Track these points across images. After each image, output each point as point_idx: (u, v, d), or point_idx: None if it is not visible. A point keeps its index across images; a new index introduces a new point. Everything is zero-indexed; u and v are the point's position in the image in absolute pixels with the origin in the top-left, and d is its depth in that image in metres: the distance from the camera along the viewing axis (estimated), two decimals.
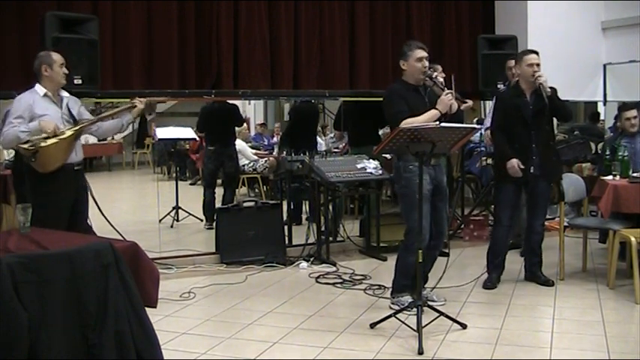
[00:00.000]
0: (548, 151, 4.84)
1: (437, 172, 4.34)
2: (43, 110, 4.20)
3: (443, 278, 4.75)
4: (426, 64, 4.31)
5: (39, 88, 4.28)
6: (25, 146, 4.04)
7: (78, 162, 4.40)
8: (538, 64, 4.74)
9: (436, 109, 4.19)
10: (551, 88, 4.72)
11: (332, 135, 9.95)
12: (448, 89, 4.24)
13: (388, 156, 5.60)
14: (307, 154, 6.41)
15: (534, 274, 4.96)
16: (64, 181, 4.27)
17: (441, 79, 4.29)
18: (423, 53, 4.31)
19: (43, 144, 4.06)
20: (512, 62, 5.88)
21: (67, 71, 4.35)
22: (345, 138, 8.75)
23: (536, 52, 4.84)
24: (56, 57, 4.30)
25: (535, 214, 4.93)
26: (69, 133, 4.21)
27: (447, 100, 4.19)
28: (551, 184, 4.97)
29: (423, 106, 4.26)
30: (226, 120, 7.52)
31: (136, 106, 4.58)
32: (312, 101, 7.81)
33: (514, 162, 4.71)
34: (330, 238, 6.12)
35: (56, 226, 3.98)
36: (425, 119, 4.10)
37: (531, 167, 4.75)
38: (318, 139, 9.30)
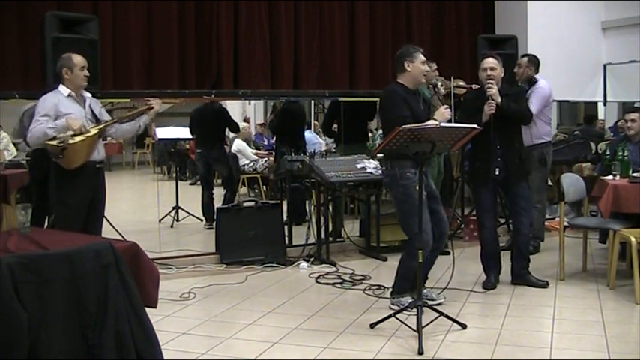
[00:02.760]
0: (511, 153, 4.78)
1: (427, 179, 4.35)
2: (67, 109, 4.29)
3: (442, 278, 4.77)
4: (427, 68, 4.33)
5: (62, 89, 4.37)
6: (54, 143, 4.13)
7: (100, 160, 4.48)
8: (492, 68, 4.73)
9: (435, 119, 4.18)
10: (506, 93, 4.72)
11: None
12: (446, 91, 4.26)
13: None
14: (294, 153, 6.39)
15: (525, 278, 4.89)
16: (87, 178, 4.36)
17: (443, 92, 4.29)
18: (424, 58, 4.34)
19: (71, 141, 4.15)
20: (523, 60, 5.89)
21: (87, 74, 4.43)
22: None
23: (493, 56, 4.84)
24: (77, 60, 4.38)
25: (517, 216, 4.88)
26: (94, 131, 4.32)
27: (447, 114, 4.23)
28: (525, 183, 4.91)
29: (421, 110, 4.28)
30: (212, 122, 7.53)
31: (152, 107, 4.63)
32: (297, 101, 7.78)
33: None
34: (330, 238, 6.12)
35: (76, 223, 4.18)
36: None
37: (495, 169, 4.72)
38: (319, 139, 9.31)
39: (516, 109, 4.79)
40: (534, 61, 5.93)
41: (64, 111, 4.26)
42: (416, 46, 4.41)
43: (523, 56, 6.02)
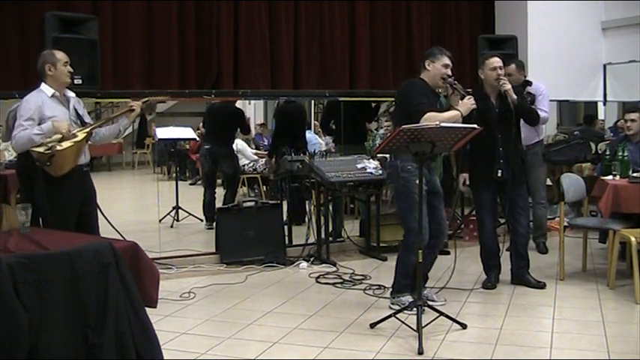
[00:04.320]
0: (515, 155, 4.79)
1: (431, 174, 4.38)
2: (52, 112, 4.09)
3: (442, 278, 4.76)
4: (449, 72, 4.37)
5: (46, 88, 4.15)
6: (41, 150, 3.92)
7: (86, 163, 4.34)
8: (501, 67, 4.75)
9: (458, 110, 4.21)
10: (517, 92, 4.75)
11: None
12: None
13: (387, 156, 5.60)
14: (294, 154, 6.37)
15: (523, 278, 4.89)
16: (75, 183, 4.19)
17: (461, 89, 4.31)
18: (449, 62, 4.37)
19: (59, 147, 3.95)
20: (512, 67, 5.90)
21: (71, 70, 4.25)
22: None
23: (497, 56, 4.86)
24: (60, 55, 4.20)
25: (515, 216, 4.87)
26: (81, 135, 4.13)
27: (470, 104, 4.26)
28: (525, 184, 4.92)
29: (435, 106, 4.31)
30: (228, 121, 7.51)
31: (133, 110, 4.45)
32: (296, 101, 7.74)
33: (462, 176, 4.86)
34: (330, 238, 6.12)
35: (66, 228, 3.92)
36: (447, 117, 4.13)
37: (498, 171, 4.72)
38: (319, 138, 9.30)
39: (530, 108, 4.85)
40: (522, 65, 5.98)
41: (48, 114, 4.06)
42: (444, 50, 4.43)
43: (509, 63, 5.99)
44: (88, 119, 4.43)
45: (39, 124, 4.03)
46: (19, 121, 4.05)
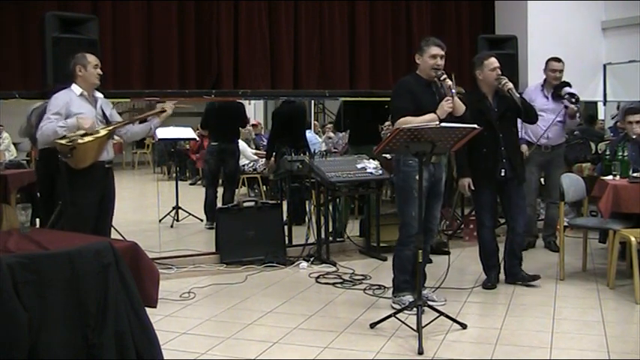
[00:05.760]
0: (516, 153, 4.85)
1: (436, 169, 4.36)
2: (78, 109, 4.32)
3: (444, 278, 4.76)
4: (440, 62, 4.32)
5: (75, 88, 4.39)
6: (63, 142, 4.14)
7: (109, 160, 4.53)
8: (500, 67, 4.76)
9: (435, 113, 4.20)
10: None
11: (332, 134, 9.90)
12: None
13: (388, 156, 5.60)
14: (294, 154, 6.35)
15: (516, 275, 4.90)
16: (96, 178, 4.40)
17: (449, 83, 4.26)
18: (438, 51, 4.33)
19: (80, 141, 4.17)
20: (556, 64, 5.92)
21: (100, 72, 4.48)
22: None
23: (494, 55, 4.85)
24: (91, 58, 4.44)
25: (514, 215, 4.87)
26: (103, 132, 4.35)
27: (447, 106, 4.22)
28: (523, 183, 4.94)
29: (431, 102, 4.28)
30: (232, 117, 7.50)
31: (165, 111, 4.71)
32: (295, 101, 7.69)
33: (465, 182, 4.77)
34: (330, 238, 6.13)
35: (86, 223, 4.21)
36: (421, 121, 4.09)
37: (502, 170, 4.74)
38: (318, 138, 9.30)
39: (531, 105, 4.86)
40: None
41: (75, 110, 4.29)
42: (432, 39, 4.40)
43: (559, 61, 6.02)
44: (117, 119, 4.62)
45: (65, 119, 4.25)
46: (47, 114, 4.30)
